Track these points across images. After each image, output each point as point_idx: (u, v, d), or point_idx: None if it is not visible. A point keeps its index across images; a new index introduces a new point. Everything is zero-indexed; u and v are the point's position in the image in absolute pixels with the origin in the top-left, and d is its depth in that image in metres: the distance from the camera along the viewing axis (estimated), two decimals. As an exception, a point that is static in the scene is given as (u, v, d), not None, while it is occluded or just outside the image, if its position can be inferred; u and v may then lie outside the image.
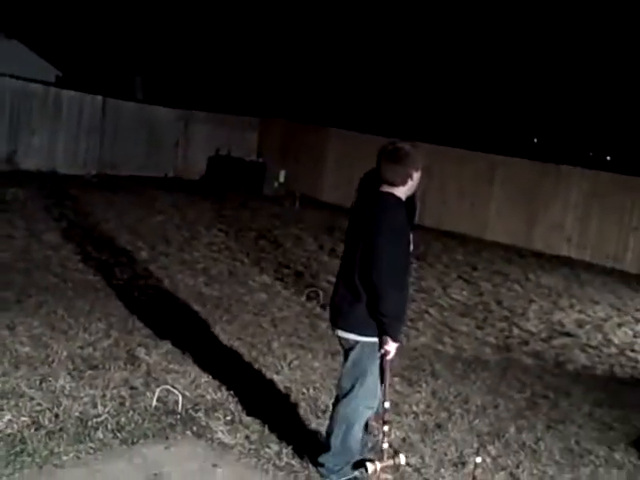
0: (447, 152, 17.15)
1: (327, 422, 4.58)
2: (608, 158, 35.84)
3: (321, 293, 8.68)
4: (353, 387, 4.20)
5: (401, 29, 29.75)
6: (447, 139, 20.25)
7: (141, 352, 5.97)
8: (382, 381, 4.19)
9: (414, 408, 5.71)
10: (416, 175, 4.16)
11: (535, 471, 4.94)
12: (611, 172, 17.09)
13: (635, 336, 9.64)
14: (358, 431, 4.28)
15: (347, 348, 4.25)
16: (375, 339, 4.10)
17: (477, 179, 16.58)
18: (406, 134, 19.39)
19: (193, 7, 29.21)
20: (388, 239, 3.96)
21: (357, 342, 4.16)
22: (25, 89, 16.08)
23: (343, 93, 29.87)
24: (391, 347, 4.07)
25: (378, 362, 4.17)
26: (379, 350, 4.10)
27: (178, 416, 4.89)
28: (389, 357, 4.11)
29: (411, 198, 6.27)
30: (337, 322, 4.28)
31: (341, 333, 4.25)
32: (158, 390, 5.07)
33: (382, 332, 4.06)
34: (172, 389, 5.14)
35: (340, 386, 4.30)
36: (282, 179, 17.87)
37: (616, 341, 9.24)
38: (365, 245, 4.02)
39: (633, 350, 8.91)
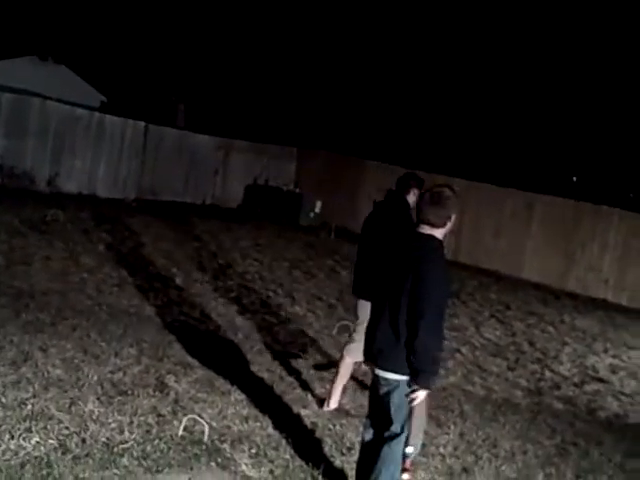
0: (484, 189, 17.10)
1: (356, 460, 4.54)
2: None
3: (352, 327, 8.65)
4: (403, 428, 4.20)
5: (437, 66, 29.85)
6: (484, 176, 20.18)
7: (170, 380, 6.00)
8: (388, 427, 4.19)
9: (441, 450, 5.65)
10: (454, 218, 4.27)
11: (562, 521, 4.85)
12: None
13: (671, 384, 9.44)
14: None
15: (388, 388, 4.22)
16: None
17: (514, 217, 16.49)
18: (443, 169, 19.36)
19: (237, 38, 29.66)
20: (437, 288, 4.06)
21: (399, 382, 4.16)
22: (70, 113, 16.45)
23: (382, 126, 29.99)
24: (420, 393, 4.11)
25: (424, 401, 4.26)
26: (408, 393, 4.12)
27: (204, 446, 4.89)
28: (415, 403, 4.13)
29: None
30: (378, 361, 4.27)
31: (382, 373, 4.23)
32: (185, 419, 5.09)
33: (414, 375, 4.08)
34: (199, 419, 5.16)
35: (388, 428, 4.23)
36: (318, 210, 17.95)
37: (651, 389, 9.05)
38: (412, 289, 4.05)
39: (668, 399, 8.72)
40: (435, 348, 4.09)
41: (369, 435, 4.44)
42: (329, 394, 6.20)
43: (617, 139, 30.92)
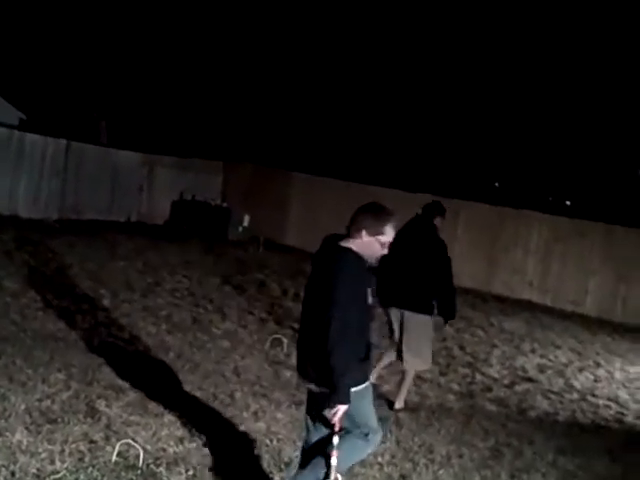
0: (413, 198, 17.30)
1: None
2: (568, 203, 36.54)
3: (285, 340, 8.65)
4: (371, 428, 4.24)
5: (364, 77, 30.19)
6: (412, 185, 20.49)
7: (101, 404, 5.86)
8: (330, 439, 4.13)
9: (379, 459, 5.67)
10: (382, 238, 4.14)
11: (499, 523, 4.93)
12: (570, 217, 17.41)
13: (596, 381, 9.74)
14: None
15: (322, 403, 4.14)
16: (356, 388, 4.09)
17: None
18: (370, 179, 19.58)
19: (158, 51, 29.38)
20: (339, 306, 3.94)
21: None
22: (-13, 132, 15.96)
23: (307, 138, 30.14)
24: (338, 408, 4.00)
25: (366, 405, 4.24)
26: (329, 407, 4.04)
27: (139, 471, 4.80)
28: (335, 418, 4.02)
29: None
30: (309, 375, 4.21)
31: (315, 387, 4.18)
32: (118, 444, 4.98)
33: (331, 390, 4.00)
34: (133, 443, 5.05)
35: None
36: (246, 223, 17.88)
37: (577, 386, 9.32)
38: (322, 305, 4.02)
39: (594, 395, 8.99)
40: (342, 361, 3.94)
41: (309, 446, 4.40)
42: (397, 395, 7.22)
43: (535, 145, 31.85)
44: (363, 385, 4.21)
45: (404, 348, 7.12)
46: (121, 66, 29.06)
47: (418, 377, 8.56)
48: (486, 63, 30.60)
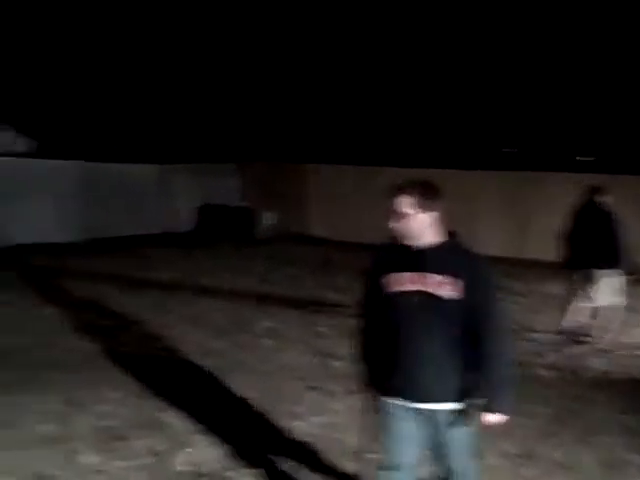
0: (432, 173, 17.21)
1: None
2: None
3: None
4: None
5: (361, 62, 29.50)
6: (429, 160, 20.21)
7: (162, 416, 5.90)
8: None
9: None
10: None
11: None
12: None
13: None
14: None
15: None
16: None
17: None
18: (383, 161, 19.40)
19: (154, 57, 28.73)
20: (361, 301, 3.86)
21: None
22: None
23: (316, 129, 29.69)
24: None
25: (384, 427, 3.74)
26: None
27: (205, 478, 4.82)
28: None
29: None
30: None
31: None
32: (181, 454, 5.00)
33: None
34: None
35: None
36: (271, 220, 17.94)
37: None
38: None
39: None
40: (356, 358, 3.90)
41: None
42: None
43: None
44: (386, 398, 3.64)
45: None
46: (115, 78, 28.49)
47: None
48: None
